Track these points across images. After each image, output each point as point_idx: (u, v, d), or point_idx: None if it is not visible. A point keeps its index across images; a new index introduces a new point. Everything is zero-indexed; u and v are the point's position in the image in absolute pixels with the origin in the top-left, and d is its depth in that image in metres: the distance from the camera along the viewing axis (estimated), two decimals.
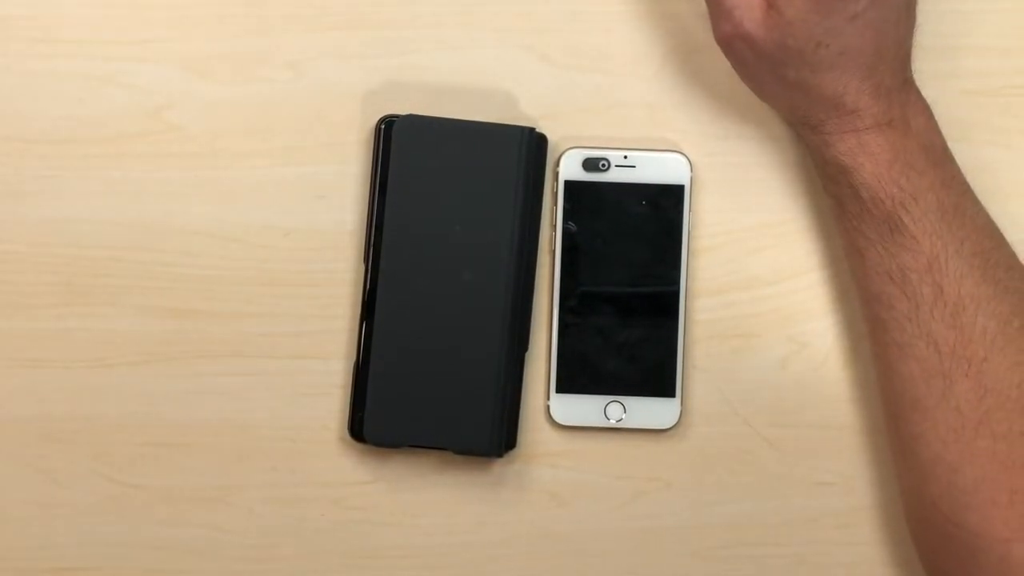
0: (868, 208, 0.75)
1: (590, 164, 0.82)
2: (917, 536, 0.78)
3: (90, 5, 0.83)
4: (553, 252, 0.82)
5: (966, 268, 0.74)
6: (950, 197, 0.75)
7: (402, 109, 0.82)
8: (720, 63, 0.78)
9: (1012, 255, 0.76)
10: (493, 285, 0.81)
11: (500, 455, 0.82)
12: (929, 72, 0.79)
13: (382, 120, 0.82)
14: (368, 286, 0.82)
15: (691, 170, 0.82)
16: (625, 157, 0.82)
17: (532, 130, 0.81)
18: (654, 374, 0.82)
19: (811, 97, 0.75)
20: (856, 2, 0.72)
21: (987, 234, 0.75)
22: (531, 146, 0.81)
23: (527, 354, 0.82)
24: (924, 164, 0.74)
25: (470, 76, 0.83)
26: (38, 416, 0.83)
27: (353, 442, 0.82)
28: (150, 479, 0.83)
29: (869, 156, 0.74)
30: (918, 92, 0.76)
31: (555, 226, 0.82)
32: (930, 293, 0.74)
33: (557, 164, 0.82)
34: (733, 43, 0.75)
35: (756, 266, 0.83)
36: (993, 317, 0.73)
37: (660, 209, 0.82)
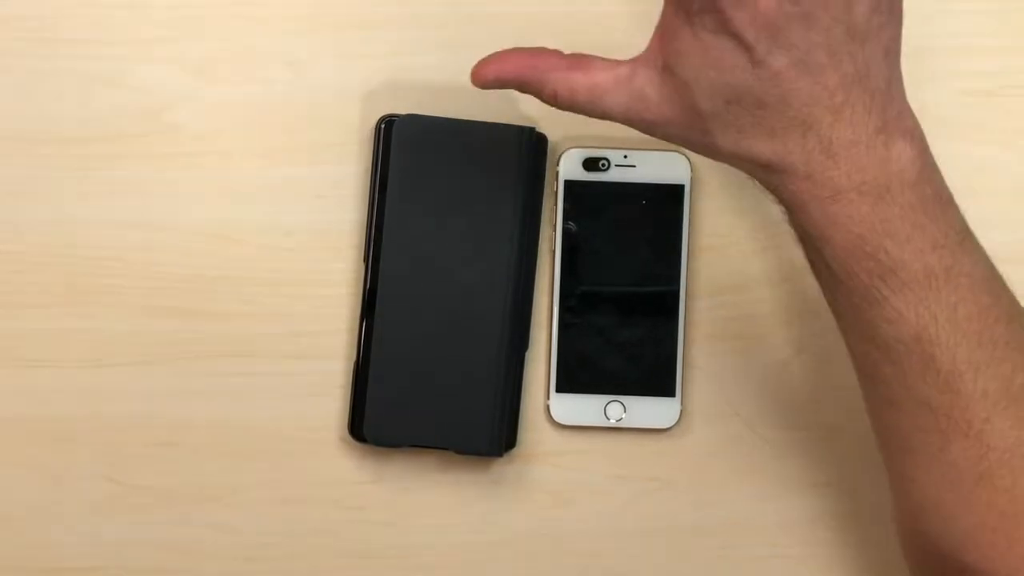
0: (841, 279, 0.66)
1: (590, 164, 0.82)
2: (914, 564, 0.74)
3: (90, 5, 0.83)
4: (553, 252, 0.82)
5: (960, 336, 0.66)
6: (941, 260, 0.65)
7: (402, 109, 0.82)
8: None
9: (1013, 302, 0.68)
10: (493, 285, 0.81)
11: (500, 455, 0.82)
12: (929, 72, 0.79)
13: (382, 120, 0.82)
14: (368, 286, 0.82)
15: (691, 170, 0.82)
16: (625, 157, 0.82)
17: (532, 130, 0.81)
18: (654, 374, 0.82)
19: (754, 164, 0.66)
20: (748, 51, 0.63)
21: (984, 288, 0.67)
22: (531, 146, 0.81)
23: (527, 354, 0.82)
24: (909, 230, 0.65)
25: (470, 76, 0.83)
26: (38, 416, 0.83)
27: (353, 442, 0.82)
28: (150, 479, 0.83)
29: (837, 228, 0.65)
30: (908, 134, 0.65)
31: (555, 226, 0.82)
32: (919, 363, 0.66)
33: (557, 164, 0.82)
34: (652, 131, 0.68)
35: (756, 266, 0.83)
36: (994, 379, 0.66)
37: (660, 209, 0.82)
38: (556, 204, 0.82)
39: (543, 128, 0.82)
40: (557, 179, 0.82)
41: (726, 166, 0.83)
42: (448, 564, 0.83)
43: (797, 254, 0.82)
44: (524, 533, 0.83)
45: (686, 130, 0.67)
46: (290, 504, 0.83)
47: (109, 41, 0.83)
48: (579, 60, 0.68)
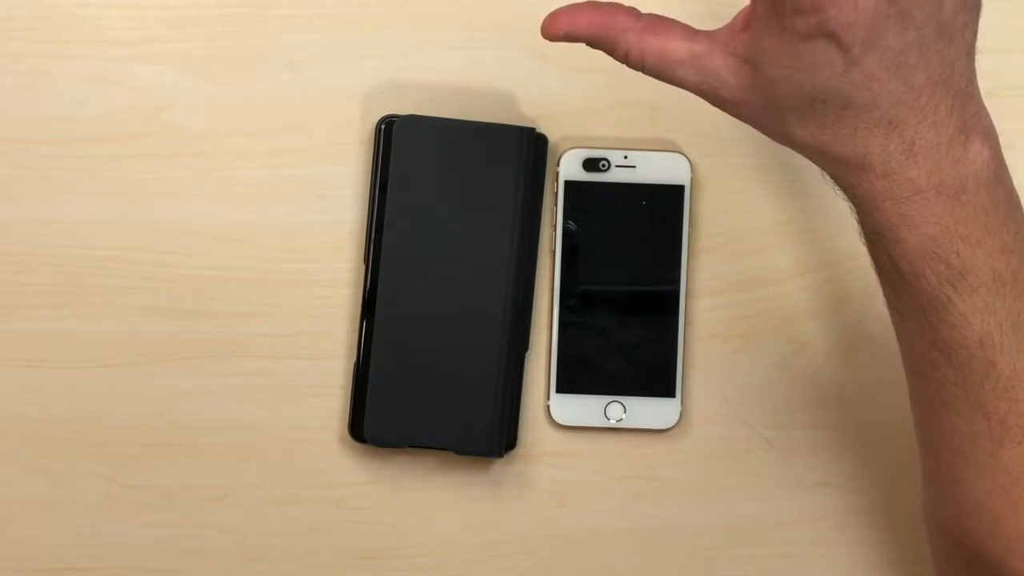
0: (909, 281, 0.65)
1: (590, 164, 0.82)
2: (943, 560, 0.73)
3: (90, 5, 0.83)
4: (553, 252, 0.82)
5: (1023, 343, 0.65)
6: (1009, 264, 0.64)
7: (402, 109, 0.82)
8: None
9: None
10: (493, 285, 0.81)
11: (500, 455, 0.82)
12: None
13: (382, 120, 0.82)
14: (368, 286, 0.82)
15: (691, 170, 0.82)
16: (625, 157, 0.82)
17: (532, 130, 0.81)
18: (654, 374, 0.82)
19: (828, 159, 0.65)
20: (844, 52, 0.61)
21: None
22: (531, 146, 0.81)
23: (527, 354, 0.82)
24: (980, 232, 0.64)
25: (470, 76, 0.83)
26: (38, 416, 0.83)
27: (353, 442, 0.82)
28: (150, 479, 0.83)
29: (911, 229, 0.63)
30: (984, 133, 0.64)
31: (555, 226, 0.82)
32: (980, 368, 0.65)
33: (557, 164, 0.82)
34: (724, 108, 0.67)
35: (756, 266, 0.83)
36: None
37: (660, 209, 0.82)
38: (556, 204, 0.82)
39: (543, 128, 0.82)
40: (557, 179, 0.82)
41: (725, 166, 0.83)
42: (448, 564, 0.83)
43: (798, 255, 0.83)
44: (524, 533, 0.83)
45: (760, 115, 0.65)
46: (290, 504, 0.83)
47: (109, 41, 0.83)
48: (654, 24, 0.66)
